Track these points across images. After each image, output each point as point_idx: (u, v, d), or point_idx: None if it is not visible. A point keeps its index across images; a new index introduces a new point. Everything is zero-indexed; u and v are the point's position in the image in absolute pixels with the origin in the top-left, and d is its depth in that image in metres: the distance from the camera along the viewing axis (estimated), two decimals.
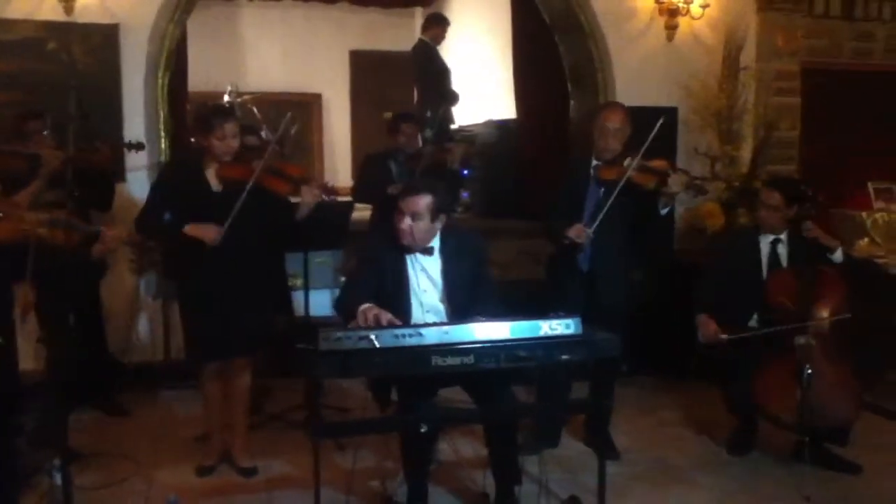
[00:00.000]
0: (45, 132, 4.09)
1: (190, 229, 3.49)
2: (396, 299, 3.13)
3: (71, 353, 3.80)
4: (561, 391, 3.89)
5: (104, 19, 4.87)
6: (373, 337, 2.68)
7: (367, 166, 5.15)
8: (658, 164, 3.80)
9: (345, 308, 3.05)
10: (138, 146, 4.59)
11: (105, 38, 4.89)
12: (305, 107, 9.64)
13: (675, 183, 3.71)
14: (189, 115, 5.58)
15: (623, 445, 4.03)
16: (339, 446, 3.93)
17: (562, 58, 5.96)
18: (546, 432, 4.04)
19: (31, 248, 2.75)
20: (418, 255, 3.22)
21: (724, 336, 3.70)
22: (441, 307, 3.23)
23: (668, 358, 5.05)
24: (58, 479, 3.29)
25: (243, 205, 3.49)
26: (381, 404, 3.43)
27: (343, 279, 3.63)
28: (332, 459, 3.78)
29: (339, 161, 9.93)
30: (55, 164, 3.85)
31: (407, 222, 3.12)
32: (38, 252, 2.78)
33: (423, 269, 3.23)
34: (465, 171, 6.94)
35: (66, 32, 4.83)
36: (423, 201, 3.12)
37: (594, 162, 3.89)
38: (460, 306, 3.17)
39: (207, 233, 3.48)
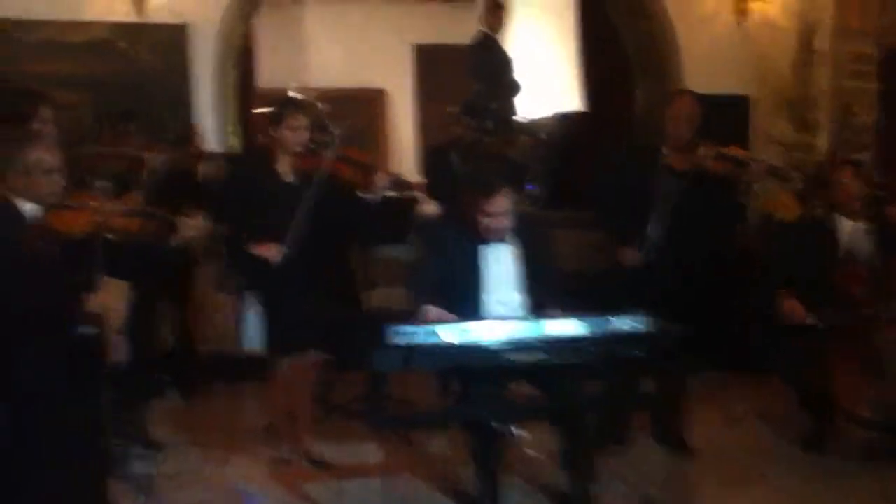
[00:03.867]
0: (134, 133, 4.24)
1: (254, 248, 3.55)
2: (467, 291, 3.13)
3: (153, 343, 3.92)
4: (630, 386, 3.82)
5: (173, 19, 4.99)
6: (440, 331, 2.67)
7: (430, 159, 5.17)
8: (735, 151, 3.68)
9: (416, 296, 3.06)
10: (223, 156, 4.72)
11: (174, 38, 5.01)
12: (369, 103, 9.68)
13: (755, 170, 3.59)
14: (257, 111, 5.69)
15: (693, 441, 3.95)
16: (408, 438, 3.95)
17: (627, 46, 5.85)
18: (615, 428, 3.98)
19: (99, 238, 2.83)
20: (491, 246, 3.20)
21: (810, 319, 3.55)
22: (513, 299, 3.20)
23: (737, 349, 4.91)
24: (140, 467, 3.40)
25: (315, 195, 3.53)
26: (449, 396, 3.44)
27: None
28: (401, 450, 3.80)
29: (403, 157, 9.96)
30: (155, 165, 3.98)
31: (494, 222, 3.12)
32: (116, 242, 2.86)
33: (496, 260, 3.21)
34: (531, 186, 6.86)
35: (135, 33, 4.97)
36: (508, 199, 3.13)
37: (664, 151, 3.80)
38: (532, 296, 3.15)
39: (269, 251, 3.54)
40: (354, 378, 4.58)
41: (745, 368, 4.93)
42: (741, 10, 5.42)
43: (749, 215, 5.46)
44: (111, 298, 3.03)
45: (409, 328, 2.69)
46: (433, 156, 5.17)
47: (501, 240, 3.20)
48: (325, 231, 3.68)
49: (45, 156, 2.70)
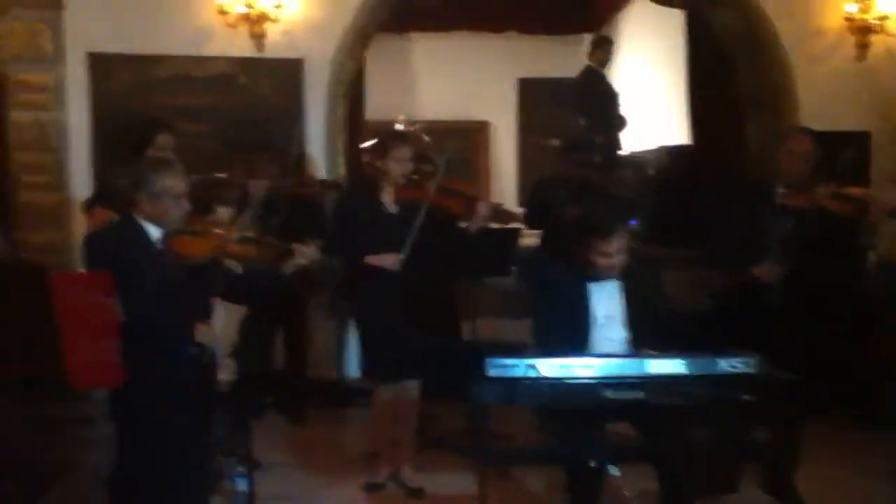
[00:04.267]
0: (267, 164, 4.45)
1: (370, 259, 3.63)
2: (576, 327, 3.10)
3: (262, 366, 4.05)
4: (740, 433, 3.67)
5: (290, 54, 5.20)
6: (540, 365, 2.65)
7: (537, 192, 5.16)
8: (856, 190, 3.52)
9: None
10: (334, 185, 4.87)
11: (290, 72, 5.23)
12: (473, 134, 9.80)
13: (876, 210, 3.42)
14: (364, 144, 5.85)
15: (809, 497, 3.71)
16: (505, 473, 3.91)
17: (740, 81, 5.71)
18: (724, 476, 3.82)
19: (219, 263, 2.95)
20: (599, 283, 3.17)
21: None
22: (622, 336, 3.16)
23: (861, 398, 4.64)
24: (241, 485, 3.49)
25: (419, 225, 3.60)
26: (547, 433, 3.40)
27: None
28: (498, 485, 3.76)
29: (505, 189, 9.99)
30: (261, 193, 4.16)
31: (609, 261, 3.11)
32: (233, 268, 2.98)
33: (605, 297, 3.18)
34: (633, 221, 6.75)
35: (255, 67, 5.20)
36: (625, 239, 3.13)
37: (778, 189, 3.67)
38: (641, 335, 3.10)
39: (387, 260, 3.61)
40: (454, 409, 4.62)
41: (868, 420, 4.64)
42: (862, 44, 5.22)
43: (872, 258, 5.19)
44: (224, 322, 3.16)
45: (509, 361, 2.68)
46: (538, 189, 5.16)
47: (611, 277, 3.17)
48: (426, 261, 3.73)
49: (173, 182, 2.85)
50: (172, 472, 2.83)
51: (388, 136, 3.96)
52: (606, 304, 3.17)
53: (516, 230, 4.66)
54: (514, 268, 4.56)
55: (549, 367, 2.66)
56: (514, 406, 3.79)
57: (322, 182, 4.89)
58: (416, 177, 3.89)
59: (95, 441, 3.91)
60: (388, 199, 3.79)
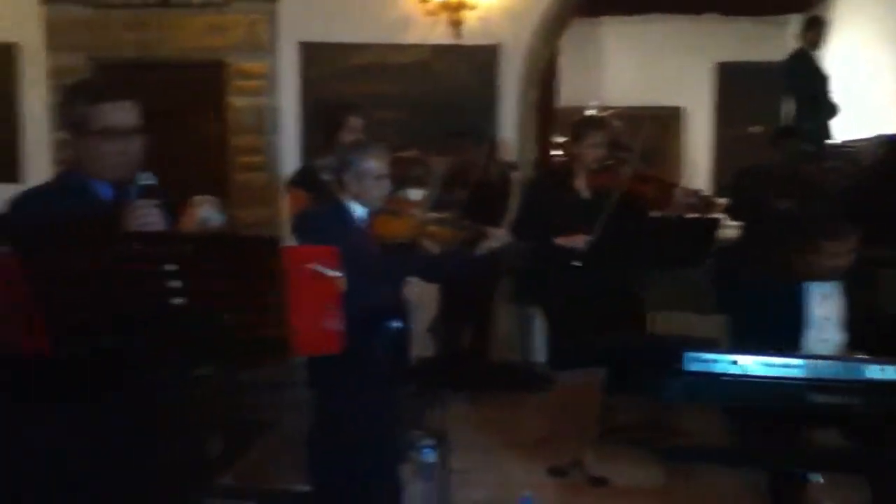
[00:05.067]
0: (460, 149, 4.56)
1: (559, 240, 3.63)
2: (786, 329, 2.94)
3: (454, 344, 4.17)
4: None
5: (486, 40, 5.26)
6: (744, 362, 2.52)
7: (742, 182, 4.91)
8: None
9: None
10: (512, 166, 4.91)
11: (486, 59, 5.28)
12: (665, 120, 9.49)
13: None
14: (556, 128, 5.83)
15: None
16: (689, 472, 3.79)
17: None
18: None
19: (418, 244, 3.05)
20: (818, 283, 3.00)
21: None
22: (837, 339, 2.97)
23: None
24: (429, 457, 3.61)
25: (611, 211, 3.55)
26: (739, 433, 3.24)
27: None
28: (684, 480, 3.66)
29: (697, 178, 9.60)
30: (442, 170, 4.28)
31: (833, 262, 2.96)
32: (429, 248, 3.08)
33: (823, 297, 2.99)
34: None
35: (451, 54, 5.30)
36: (852, 241, 2.97)
37: None
38: (856, 337, 2.88)
39: (576, 240, 3.60)
40: (633, 401, 4.52)
41: None
42: None
43: None
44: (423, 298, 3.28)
45: (710, 355, 2.57)
46: (742, 179, 4.90)
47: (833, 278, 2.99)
48: (615, 249, 3.67)
49: (376, 163, 2.99)
50: (366, 438, 2.98)
51: (583, 122, 3.93)
52: (823, 304, 2.99)
53: (716, 220, 4.46)
54: (707, 260, 4.37)
55: (754, 365, 2.53)
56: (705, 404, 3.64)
57: (502, 163, 4.91)
58: (609, 162, 3.84)
59: (288, 404, 4.22)
60: (581, 185, 3.78)
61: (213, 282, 1.68)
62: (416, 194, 4.16)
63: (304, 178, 3.77)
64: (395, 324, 2.96)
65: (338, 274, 1.71)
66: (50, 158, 5.77)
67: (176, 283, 1.67)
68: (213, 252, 1.68)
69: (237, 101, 5.56)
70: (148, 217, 1.89)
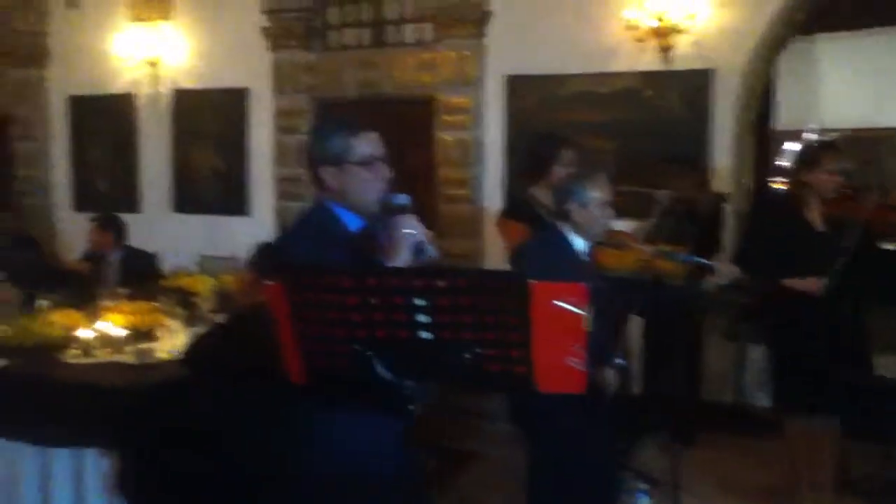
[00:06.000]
0: (674, 177, 4.43)
1: (792, 282, 3.38)
2: None
3: (665, 382, 4.00)
4: None
5: (699, 65, 5.06)
6: None
7: None
8: None
9: None
10: (722, 198, 4.69)
11: (698, 83, 5.08)
12: (885, 143, 8.70)
13: None
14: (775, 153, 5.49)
15: None
16: None
17: None
18: None
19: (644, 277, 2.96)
20: None
21: None
22: None
23: None
24: (643, 501, 3.46)
25: (854, 245, 3.27)
26: None
27: None
28: None
29: None
30: (664, 203, 4.14)
31: None
32: (653, 283, 2.97)
33: None
34: None
35: (662, 80, 5.15)
36: None
37: None
38: None
39: (809, 285, 3.34)
40: (872, 448, 4.10)
41: None
42: None
43: None
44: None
45: None
46: None
47: None
48: (852, 284, 3.36)
49: (599, 192, 2.93)
50: (590, 480, 2.89)
51: (819, 147, 3.65)
52: None
53: None
54: None
55: None
56: None
57: (712, 194, 4.69)
58: (847, 190, 3.54)
59: (490, 434, 4.20)
60: (814, 216, 3.49)
61: (461, 317, 1.69)
62: (635, 226, 4.06)
63: (520, 210, 3.77)
64: (620, 361, 2.87)
65: (584, 312, 1.66)
66: (272, 193, 6.24)
67: (424, 318, 1.70)
68: (464, 287, 1.68)
69: (444, 135, 5.71)
70: (412, 228, 2.00)
